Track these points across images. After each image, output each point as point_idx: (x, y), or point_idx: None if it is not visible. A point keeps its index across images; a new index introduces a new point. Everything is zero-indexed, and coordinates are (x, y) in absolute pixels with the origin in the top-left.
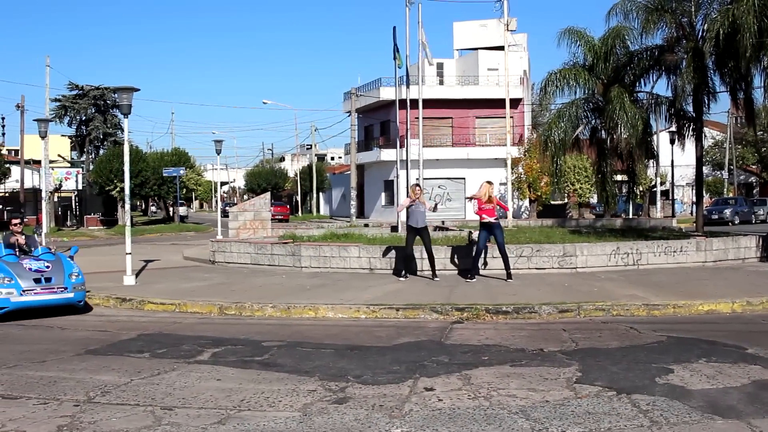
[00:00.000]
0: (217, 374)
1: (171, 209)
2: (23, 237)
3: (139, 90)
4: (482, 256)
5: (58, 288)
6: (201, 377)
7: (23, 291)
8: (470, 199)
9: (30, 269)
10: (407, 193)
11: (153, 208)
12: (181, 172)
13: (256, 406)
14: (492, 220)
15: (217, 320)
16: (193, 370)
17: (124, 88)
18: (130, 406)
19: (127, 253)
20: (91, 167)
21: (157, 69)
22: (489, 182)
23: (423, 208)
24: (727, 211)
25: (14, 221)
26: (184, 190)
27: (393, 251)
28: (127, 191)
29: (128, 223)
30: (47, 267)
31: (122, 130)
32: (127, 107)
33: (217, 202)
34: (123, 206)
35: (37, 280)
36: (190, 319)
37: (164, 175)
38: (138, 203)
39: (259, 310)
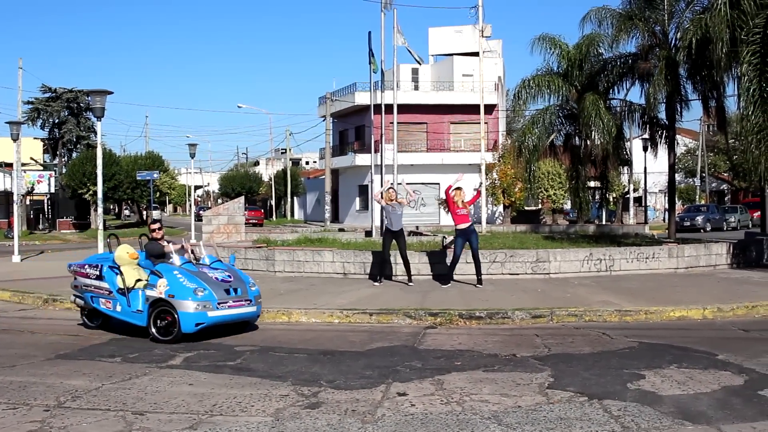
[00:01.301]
0: (189, 379)
1: (144, 213)
2: (178, 244)
3: (112, 93)
4: (458, 262)
5: (245, 300)
6: (173, 382)
7: (218, 303)
8: (442, 203)
9: (216, 279)
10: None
11: (126, 212)
12: (155, 175)
13: (228, 411)
14: (467, 226)
15: None
16: (165, 374)
17: (98, 91)
18: (101, 411)
19: None
20: (64, 170)
21: (132, 72)
22: (459, 188)
23: (400, 210)
24: (699, 218)
25: (153, 226)
26: (158, 193)
27: (369, 255)
28: (99, 195)
29: (101, 226)
30: (230, 277)
31: (95, 133)
32: (100, 110)
33: (190, 206)
34: (96, 210)
35: (227, 291)
36: None
37: (138, 178)
38: (111, 207)
39: None
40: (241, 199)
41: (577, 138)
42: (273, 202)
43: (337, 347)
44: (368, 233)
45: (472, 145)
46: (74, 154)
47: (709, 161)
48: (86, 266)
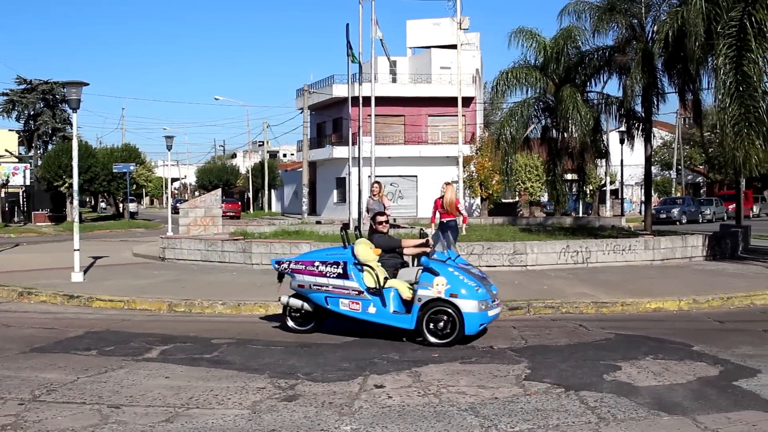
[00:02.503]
0: (165, 372)
1: (121, 205)
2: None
3: (88, 84)
4: None
5: (498, 299)
6: (149, 375)
7: (492, 303)
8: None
9: (479, 275)
10: (360, 190)
11: (103, 205)
12: (131, 168)
13: (205, 404)
14: (448, 220)
15: (167, 317)
16: (142, 367)
17: (73, 82)
18: (77, 405)
19: (75, 250)
20: (40, 163)
21: (108, 64)
22: (448, 183)
23: (382, 207)
24: (675, 211)
25: (380, 218)
26: (135, 186)
27: None
28: (75, 187)
29: (76, 219)
30: (481, 273)
31: (71, 125)
32: (75, 102)
33: (167, 198)
34: (72, 202)
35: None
36: (138, 317)
37: (114, 171)
38: (87, 199)
39: (209, 307)
40: (218, 191)
41: (554, 130)
42: (250, 195)
43: (314, 340)
44: (345, 226)
45: (450, 137)
46: (50, 146)
47: (685, 154)
48: (317, 263)
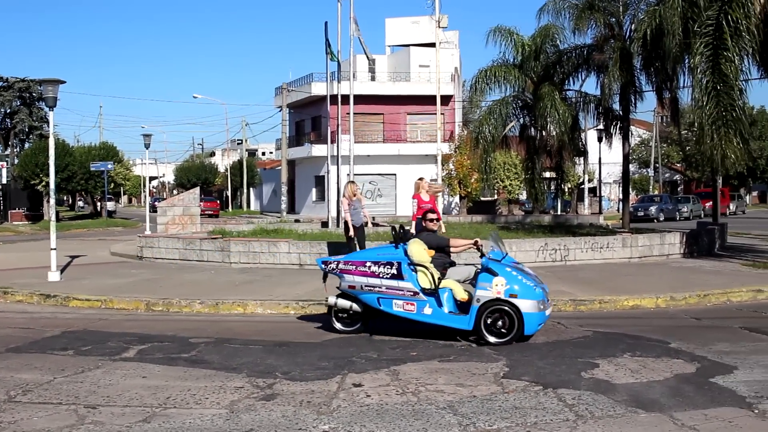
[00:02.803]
0: (142, 372)
1: (99, 204)
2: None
3: (65, 82)
4: None
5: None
6: (126, 375)
7: (547, 302)
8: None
9: (532, 275)
10: (338, 189)
11: (80, 203)
12: (109, 166)
13: (183, 404)
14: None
15: (144, 317)
16: (119, 367)
17: (50, 80)
18: (53, 405)
19: (51, 249)
20: (16, 161)
21: (86, 62)
22: (421, 178)
23: (359, 205)
24: (653, 208)
25: (431, 216)
26: (112, 184)
27: (336, 247)
28: (52, 185)
29: (53, 218)
30: (533, 273)
31: (48, 124)
32: (52, 100)
33: (145, 197)
34: (49, 201)
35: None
36: (116, 316)
37: (92, 169)
38: (65, 198)
39: (187, 307)
40: (197, 190)
41: (532, 129)
42: (229, 193)
43: (292, 338)
44: (324, 224)
45: (429, 135)
46: (27, 145)
47: (662, 152)
48: (368, 263)
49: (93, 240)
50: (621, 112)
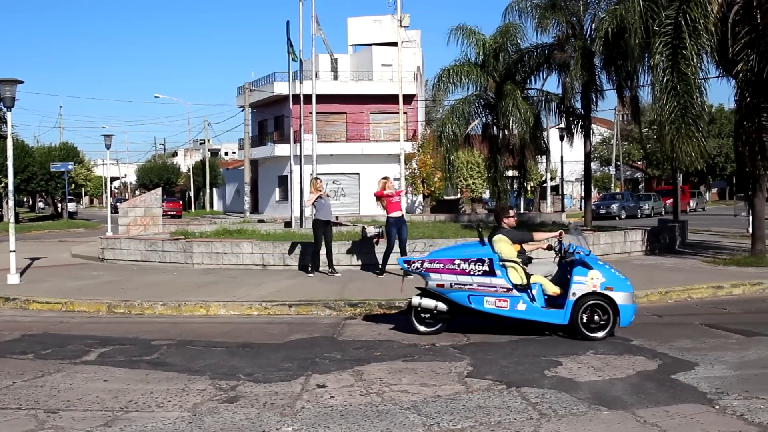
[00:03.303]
0: (104, 375)
1: (59, 205)
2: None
3: (23, 82)
4: (392, 251)
5: None
6: (87, 378)
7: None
8: (379, 199)
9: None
10: (301, 188)
11: (41, 204)
12: (70, 167)
13: (144, 407)
14: (400, 215)
15: (106, 319)
16: (79, 371)
17: (7, 80)
18: (12, 410)
19: (11, 251)
20: None
21: (44, 63)
22: (386, 177)
23: (327, 202)
24: (614, 206)
25: (512, 212)
26: (73, 185)
27: (299, 247)
28: (10, 187)
29: (12, 219)
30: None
31: (6, 124)
32: (10, 100)
33: (107, 198)
34: (8, 202)
35: None
36: (77, 319)
37: (52, 170)
38: (25, 199)
39: (149, 308)
40: (159, 190)
41: (495, 128)
42: (192, 194)
43: (255, 340)
44: (288, 224)
45: (392, 135)
46: None
47: (623, 150)
48: (457, 261)
49: (54, 242)
50: (582, 111)
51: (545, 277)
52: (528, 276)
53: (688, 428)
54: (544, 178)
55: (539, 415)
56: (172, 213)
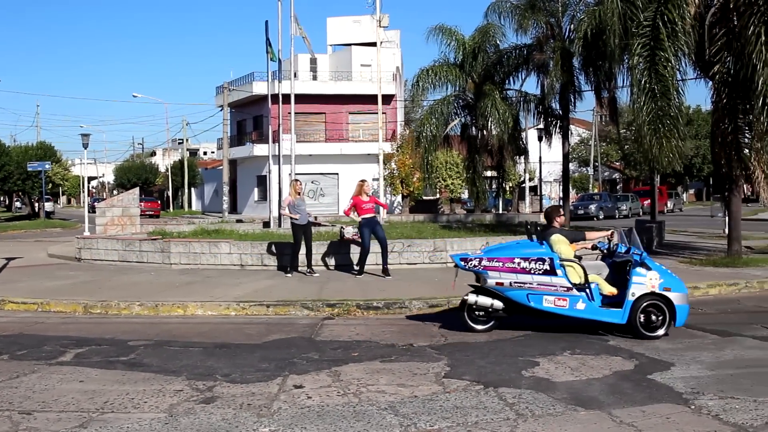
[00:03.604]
0: (80, 375)
1: (37, 205)
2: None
3: None
4: (368, 252)
5: None
6: (63, 379)
7: None
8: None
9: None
10: (280, 188)
11: (18, 204)
12: (47, 166)
13: (120, 408)
14: (371, 216)
15: (82, 320)
16: (55, 371)
17: None
18: None
19: None
20: None
21: (21, 60)
22: (363, 181)
23: (304, 204)
24: (592, 207)
25: (563, 212)
26: (51, 185)
27: (278, 247)
28: None
29: None
30: None
31: None
32: None
33: (84, 197)
34: None
35: None
36: (53, 319)
37: (29, 169)
38: (1, 199)
39: (126, 309)
40: (136, 190)
41: (473, 128)
42: (170, 193)
43: (233, 340)
44: (266, 224)
45: (371, 135)
46: None
47: (601, 151)
48: (517, 260)
49: (30, 242)
50: (561, 112)
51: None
52: (587, 275)
53: (664, 428)
54: (522, 179)
55: (516, 415)
56: (151, 213)
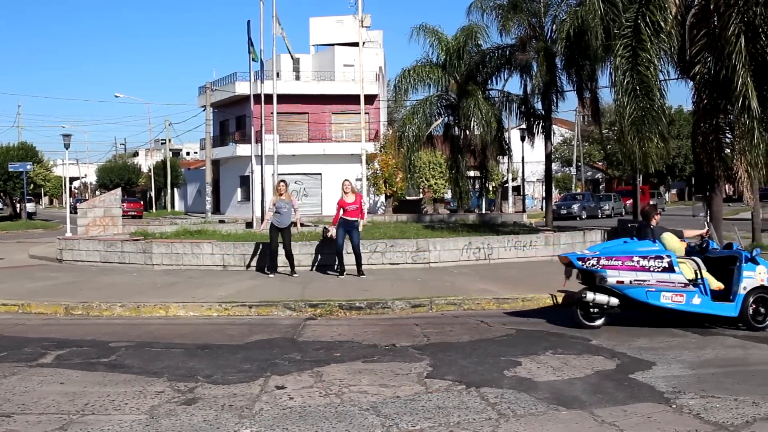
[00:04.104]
0: (60, 377)
1: (18, 206)
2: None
3: None
4: (342, 250)
5: None
6: (43, 381)
7: None
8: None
9: None
10: (263, 189)
11: None
12: (28, 167)
13: (101, 410)
14: (352, 219)
15: (63, 321)
16: (35, 373)
17: None
18: None
19: None
20: None
21: (2, 60)
22: (344, 181)
23: (288, 206)
24: (575, 207)
25: (659, 210)
26: (32, 185)
27: (249, 247)
28: None
29: None
30: None
31: None
32: None
33: (66, 198)
34: None
35: None
36: (34, 321)
37: (10, 170)
38: None
39: (107, 310)
40: (118, 190)
41: (456, 128)
42: (153, 194)
43: (215, 341)
44: (249, 224)
45: (354, 135)
46: None
47: (584, 151)
48: (636, 258)
49: (11, 243)
50: (543, 112)
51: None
52: (700, 271)
53: (646, 427)
54: (505, 179)
55: (498, 415)
56: (133, 213)
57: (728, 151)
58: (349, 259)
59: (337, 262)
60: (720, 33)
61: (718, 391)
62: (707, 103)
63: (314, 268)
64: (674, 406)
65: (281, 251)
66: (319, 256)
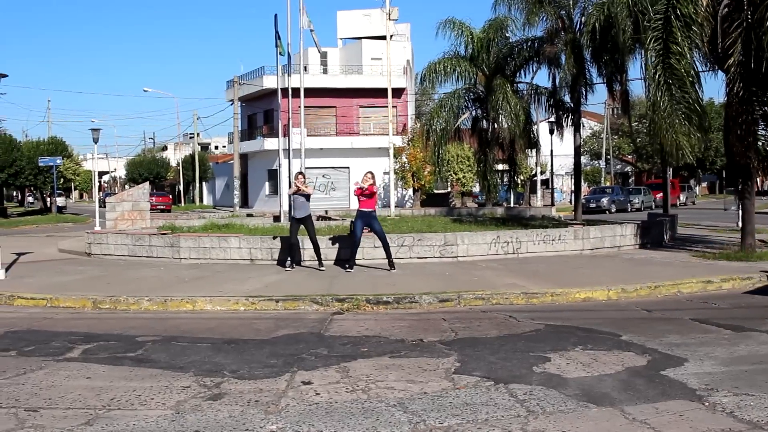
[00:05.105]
0: (87, 372)
1: (48, 200)
2: None
3: (6, 76)
4: (359, 245)
5: None
6: (70, 375)
7: None
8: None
9: None
10: (290, 182)
11: (30, 199)
12: (58, 161)
13: (127, 405)
14: (368, 209)
15: (91, 315)
16: (62, 368)
17: None
18: None
19: None
20: None
21: (32, 55)
22: (369, 171)
23: (302, 197)
24: (605, 200)
25: None
26: (62, 180)
27: (277, 241)
28: None
29: None
30: None
31: None
32: None
33: (95, 192)
34: None
35: None
36: (62, 315)
37: (40, 164)
38: (15, 194)
39: (134, 304)
40: (146, 184)
41: (484, 121)
42: (181, 188)
43: (241, 335)
44: (277, 218)
45: (382, 128)
46: None
47: (613, 144)
48: None
49: (41, 236)
50: (572, 105)
51: None
52: None
53: (678, 425)
54: (534, 172)
55: (527, 412)
56: (162, 207)
57: (761, 143)
58: (378, 253)
59: (349, 256)
60: (756, 24)
61: (752, 389)
62: (742, 94)
63: (341, 263)
64: (707, 403)
65: (308, 245)
66: (345, 251)
